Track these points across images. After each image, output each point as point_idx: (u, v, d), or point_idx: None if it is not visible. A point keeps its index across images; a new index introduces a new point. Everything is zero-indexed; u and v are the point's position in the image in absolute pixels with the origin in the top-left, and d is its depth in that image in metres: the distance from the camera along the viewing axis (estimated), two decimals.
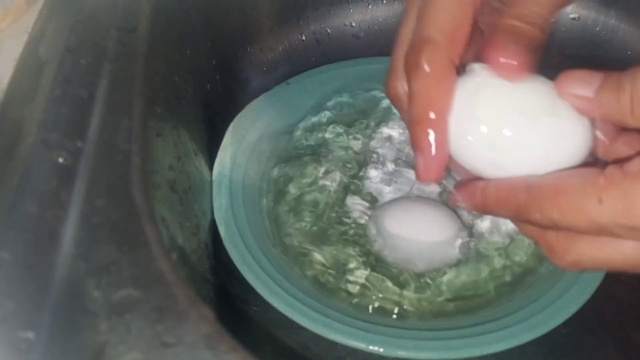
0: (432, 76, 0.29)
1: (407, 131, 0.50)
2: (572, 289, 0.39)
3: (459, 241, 0.42)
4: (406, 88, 0.30)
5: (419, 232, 0.41)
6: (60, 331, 0.24)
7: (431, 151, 0.29)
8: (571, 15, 0.57)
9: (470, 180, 0.30)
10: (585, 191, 0.25)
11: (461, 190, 0.30)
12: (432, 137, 0.29)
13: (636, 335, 0.42)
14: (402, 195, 0.46)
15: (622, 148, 0.29)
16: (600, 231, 0.25)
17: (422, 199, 0.45)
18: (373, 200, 0.46)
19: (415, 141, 0.29)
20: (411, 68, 0.29)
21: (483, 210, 0.30)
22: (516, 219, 0.29)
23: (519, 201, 0.27)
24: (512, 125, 0.27)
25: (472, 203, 0.30)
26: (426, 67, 0.29)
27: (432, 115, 0.28)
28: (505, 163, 0.28)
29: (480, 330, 0.37)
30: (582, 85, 0.27)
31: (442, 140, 0.29)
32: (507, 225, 0.43)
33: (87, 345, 0.24)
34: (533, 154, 0.27)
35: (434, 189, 0.46)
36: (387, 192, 0.46)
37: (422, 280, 0.41)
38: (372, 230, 0.43)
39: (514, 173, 0.28)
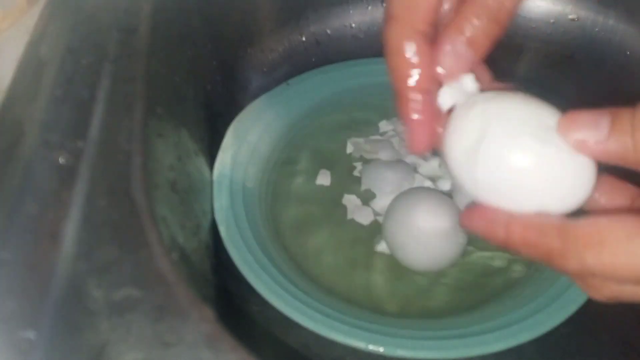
0: (399, 50, 0.30)
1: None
2: (572, 288, 0.39)
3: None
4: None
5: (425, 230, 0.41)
6: (61, 331, 0.25)
7: (415, 123, 0.29)
8: (570, 16, 0.57)
9: (488, 208, 0.28)
10: (631, 242, 0.24)
11: (477, 218, 0.29)
12: (413, 107, 0.29)
13: (636, 335, 0.42)
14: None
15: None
16: None
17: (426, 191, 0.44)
18: (371, 198, 0.46)
19: (400, 115, 0.29)
20: (383, 48, 0.31)
21: (504, 246, 0.28)
22: (548, 263, 0.27)
23: (552, 247, 0.26)
24: (524, 156, 0.27)
25: (493, 237, 0.28)
26: (392, 43, 0.30)
27: (408, 89, 0.29)
28: (517, 195, 0.27)
29: (480, 330, 0.37)
30: (590, 129, 0.25)
31: (424, 109, 0.29)
32: None
33: (87, 344, 0.24)
34: (544, 186, 0.27)
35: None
36: (387, 191, 0.46)
37: (423, 278, 0.42)
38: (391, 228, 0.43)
39: (526, 205, 0.27)
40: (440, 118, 0.29)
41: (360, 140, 0.50)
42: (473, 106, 0.28)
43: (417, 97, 0.29)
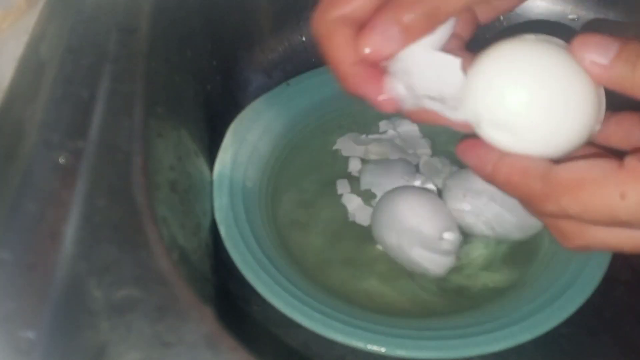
0: (325, 36, 0.31)
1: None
2: (572, 288, 0.39)
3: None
4: None
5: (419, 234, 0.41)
6: (61, 331, 0.25)
7: (368, 86, 0.31)
8: (570, 16, 0.57)
9: (483, 145, 0.29)
10: (607, 186, 0.25)
11: (471, 152, 0.30)
12: (354, 84, 0.31)
13: (636, 335, 0.42)
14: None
15: (615, 128, 0.29)
16: (620, 224, 0.25)
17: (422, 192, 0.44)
18: (371, 198, 0.46)
19: (352, 91, 0.32)
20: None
21: (490, 182, 0.29)
22: (526, 204, 0.28)
23: (534, 189, 0.27)
24: (528, 93, 0.27)
25: (481, 172, 0.29)
26: (319, 31, 0.32)
27: (347, 68, 0.31)
28: (518, 130, 0.27)
29: (480, 330, 0.37)
30: (599, 51, 0.26)
31: (369, 75, 0.31)
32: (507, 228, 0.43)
33: (87, 345, 0.24)
34: (548, 122, 0.27)
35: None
36: (385, 190, 0.46)
37: (423, 278, 0.42)
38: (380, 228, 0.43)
39: (527, 140, 0.28)
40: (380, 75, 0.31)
41: (361, 139, 0.50)
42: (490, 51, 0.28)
43: (353, 75, 0.31)
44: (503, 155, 0.28)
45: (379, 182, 0.46)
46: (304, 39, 0.58)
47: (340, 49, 0.31)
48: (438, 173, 0.47)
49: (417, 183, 0.45)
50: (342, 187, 0.47)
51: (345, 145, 0.50)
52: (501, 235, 0.43)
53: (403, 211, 0.41)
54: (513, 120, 0.27)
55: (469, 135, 0.30)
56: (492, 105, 0.28)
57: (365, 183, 0.46)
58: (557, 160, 0.27)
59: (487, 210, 0.42)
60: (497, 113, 0.28)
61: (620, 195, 0.24)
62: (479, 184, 0.40)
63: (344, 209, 0.46)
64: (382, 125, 0.51)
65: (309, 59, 0.57)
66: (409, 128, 0.50)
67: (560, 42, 0.28)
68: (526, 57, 0.27)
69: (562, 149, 0.28)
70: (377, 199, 0.45)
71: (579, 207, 0.25)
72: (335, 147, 0.50)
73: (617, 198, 0.24)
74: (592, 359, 0.41)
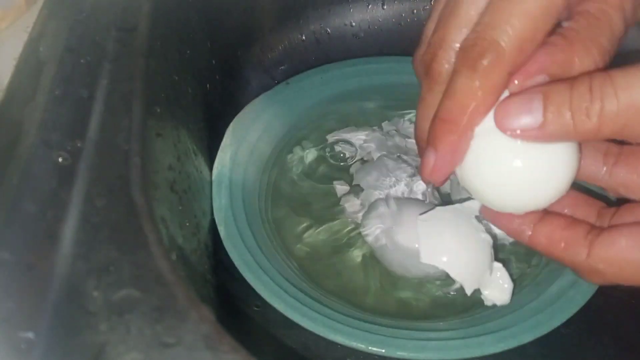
0: (485, 83, 0.26)
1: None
2: (572, 289, 0.38)
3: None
4: (446, 67, 0.28)
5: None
6: (60, 331, 0.24)
7: (447, 155, 0.28)
8: None
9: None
10: None
11: (501, 218, 0.31)
12: (454, 139, 0.27)
13: (636, 335, 0.42)
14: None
15: (622, 171, 0.30)
16: None
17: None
18: (369, 199, 0.45)
19: (434, 137, 0.28)
20: (466, 63, 0.27)
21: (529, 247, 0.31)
22: (570, 268, 0.30)
23: (578, 262, 0.28)
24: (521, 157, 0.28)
25: (517, 239, 0.31)
26: (483, 72, 0.26)
27: (465, 119, 0.27)
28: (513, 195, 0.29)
29: (480, 331, 0.37)
30: (523, 114, 0.26)
31: (463, 147, 0.28)
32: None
33: (86, 345, 0.24)
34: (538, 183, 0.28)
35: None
36: (385, 191, 0.45)
37: (424, 279, 0.41)
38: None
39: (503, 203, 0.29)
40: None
41: (361, 138, 0.50)
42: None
43: (463, 134, 0.28)
44: (537, 223, 0.29)
45: (375, 184, 0.45)
46: (303, 37, 0.58)
47: (484, 106, 0.27)
48: None
49: (416, 184, 0.45)
50: (341, 187, 0.47)
51: (346, 143, 0.50)
52: (502, 237, 0.43)
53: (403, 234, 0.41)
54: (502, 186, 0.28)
55: None
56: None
57: (365, 184, 0.46)
58: (593, 225, 0.29)
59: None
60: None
61: None
62: None
63: (343, 209, 0.46)
64: (385, 126, 0.51)
65: (309, 58, 0.57)
66: (410, 128, 0.50)
67: None
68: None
69: (548, 201, 0.29)
70: (370, 202, 0.45)
71: (622, 280, 0.28)
72: (335, 148, 0.50)
73: None
74: (592, 359, 0.41)
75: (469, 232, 0.36)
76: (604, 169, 0.30)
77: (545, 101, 0.25)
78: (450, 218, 0.36)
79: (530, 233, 0.29)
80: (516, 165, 0.27)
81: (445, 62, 0.28)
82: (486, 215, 0.31)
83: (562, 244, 0.28)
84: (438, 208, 0.38)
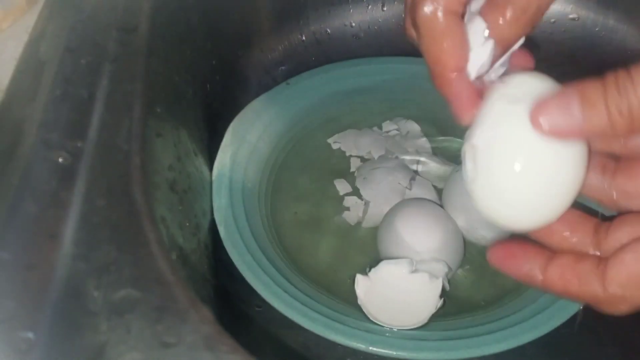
0: (437, 31, 0.29)
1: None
2: None
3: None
4: (426, 11, 0.30)
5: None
6: (60, 331, 0.24)
7: (454, 101, 0.29)
8: (570, 16, 0.57)
9: (518, 253, 0.30)
10: None
11: (510, 264, 0.30)
12: (448, 92, 0.29)
13: (636, 335, 0.42)
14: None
15: (622, 181, 0.30)
16: None
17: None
18: (370, 199, 0.45)
19: (441, 93, 0.30)
20: (415, 23, 0.30)
21: (543, 290, 0.31)
22: (594, 305, 0.30)
23: (597, 296, 0.28)
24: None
25: (530, 283, 0.30)
26: (428, 23, 0.29)
27: (447, 73, 0.29)
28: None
29: (480, 331, 0.37)
30: (564, 116, 0.26)
31: (462, 88, 0.29)
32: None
33: (87, 345, 0.24)
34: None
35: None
36: (386, 192, 0.45)
37: None
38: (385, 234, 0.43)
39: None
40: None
41: (362, 138, 0.50)
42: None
43: (454, 80, 0.29)
44: (547, 264, 0.29)
45: (373, 185, 0.46)
46: (303, 38, 0.58)
47: (444, 51, 0.29)
48: (438, 174, 0.47)
49: (414, 185, 0.45)
50: (342, 187, 0.47)
51: (346, 143, 0.50)
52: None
53: (405, 227, 0.41)
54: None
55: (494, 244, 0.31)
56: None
57: (365, 183, 0.46)
58: (601, 255, 0.29)
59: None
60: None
61: None
62: None
63: (343, 209, 0.46)
64: (385, 125, 0.51)
65: (309, 58, 0.57)
66: (410, 127, 0.50)
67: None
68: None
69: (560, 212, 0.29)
70: (370, 203, 0.45)
71: None
72: (335, 146, 0.50)
73: None
74: (592, 359, 0.41)
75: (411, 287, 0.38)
76: (604, 180, 0.30)
77: (582, 99, 0.26)
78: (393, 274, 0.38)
79: (541, 278, 0.29)
80: (528, 177, 0.27)
81: (426, 7, 0.30)
82: (493, 260, 0.31)
83: (576, 282, 0.29)
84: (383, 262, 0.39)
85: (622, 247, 0.28)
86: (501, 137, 0.27)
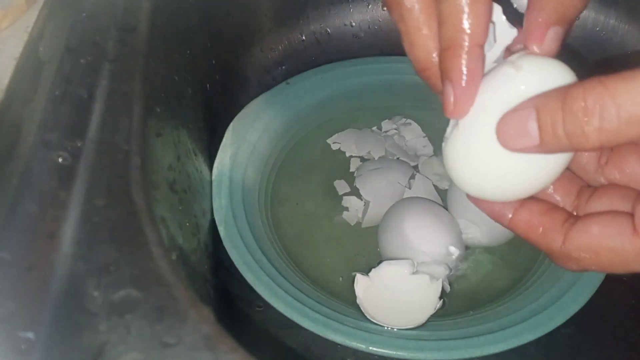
0: (404, 13, 0.28)
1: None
2: (572, 289, 0.38)
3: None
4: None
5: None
6: (60, 331, 0.24)
7: (462, 80, 0.27)
8: None
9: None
10: (626, 256, 0.27)
11: (484, 204, 0.31)
12: (464, 63, 0.26)
13: (636, 335, 0.42)
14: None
15: (613, 171, 0.30)
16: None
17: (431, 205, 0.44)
18: (370, 199, 0.45)
19: (445, 69, 0.27)
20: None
21: (509, 229, 0.31)
22: (546, 253, 0.30)
23: (553, 248, 0.29)
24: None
25: (498, 222, 0.31)
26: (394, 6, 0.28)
27: (466, 41, 0.26)
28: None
29: (480, 331, 0.37)
30: (524, 138, 0.26)
31: (475, 68, 0.27)
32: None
33: (87, 345, 0.24)
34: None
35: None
36: (386, 192, 0.45)
37: None
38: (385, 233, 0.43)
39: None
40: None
41: (362, 138, 0.50)
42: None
43: (471, 55, 0.27)
44: (518, 208, 0.30)
45: (373, 185, 0.45)
46: (303, 37, 0.58)
47: (422, 36, 0.28)
48: (438, 173, 0.47)
49: (414, 185, 0.45)
50: (341, 187, 0.47)
51: (346, 143, 0.50)
52: (502, 240, 0.43)
53: (409, 224, 0.41)
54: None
55: None
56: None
57: (364, 183, 0.46)
58: (570, 215, 0.29)
59: (485, 217, 0.42)
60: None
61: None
62: None
63: (343, 209, 0.46)
64: (384, 125, 0.51)
65: (309, 58, 0.57)
66: (410, 127, 0.50)
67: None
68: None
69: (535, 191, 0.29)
70: (370, 203, 0.45)
71: (598, 268, 0.28)
72: (335, 146, 0.50)
73: (636, 265, 0.26)
74: (592, 359, 0.41)
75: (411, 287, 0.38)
76: (595, 168, 0.30)
77: (539, 122, 0.25)
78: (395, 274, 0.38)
79: (510, 216, 0.30)
80: (503, 155, 0.27)
81: None
82: (470, 198, 0.31)
83: (540, 230, 0.29)
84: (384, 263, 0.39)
85: (593, 216, 0.28)
86: (489, 106, 0.27)
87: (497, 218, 0.31)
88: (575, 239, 0.28)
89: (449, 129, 0.29)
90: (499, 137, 0.27)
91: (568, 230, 0.28)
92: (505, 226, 0.31)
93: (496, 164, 0.28)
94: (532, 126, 0.25)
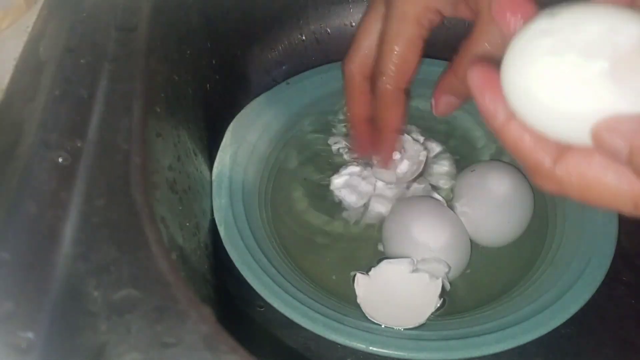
0: (388, 102, 0.40)
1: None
2: (572, 289, 0.38)
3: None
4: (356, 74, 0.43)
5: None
6: (60, 331, 0.24)
7: (389, 152, 0.44)
8: None
9: (499, 87, 0.26)
10: (621, 196, 0.25)
11: (484, 91, 0.27)
12: (389, 144, 0.43)
13: (636, 335, 0.42)
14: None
15: None
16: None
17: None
18: (369, 198, 0.45)
19: (379, 143, 0.43)
20: (373, 91, 0.40)
21: (495, 135, 0.27)
22: (527, 170, 0.27)
23: (541, 165, 0.26)
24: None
25: (488, 121, 0.27)
26: (382, 94, 0.40)
27: (387, 131, 0.42)
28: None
29: (480, 331, 0.37)
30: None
31: (393, 144, 0.44)
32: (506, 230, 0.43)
33: (87, 345, 0.24)
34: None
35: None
36: (386, 192, 0.45)
37: None
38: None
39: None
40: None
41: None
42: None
43: (391, 139, 0.43)
44: (512, 114, 0.26)
45: (372, 185, 0.46)
46: (303, 37, 0.58)
47: (355, 102, 0.43)
48: (438, 172, 0.47)
49: (414, 184, 0.45)
50: (341, 187, 0.47)
51: (346, 143, 0.50)
52: (502, 241, 0.43)
53: (412, 222, 0.41)
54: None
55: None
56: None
57: (364, 183, 0.46)
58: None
59: (488, 219, 0.42)
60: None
61: (634, 206, 0.24)
62: (479, 192, 0.42)
63: (343, 209, 0.46)
64: None
65: (309, 58, 0.57)
66: (410, 128, 0.50)
67: None
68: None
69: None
70: (369, 203, 0.45)
71: (580, 198, 0.26)
72: (335, 146, 0.50)
73: (630, 207, 0.25)
74: (592, 359, 0.41)
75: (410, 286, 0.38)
76: None
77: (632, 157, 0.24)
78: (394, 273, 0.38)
79: (502, 121, 0.27)
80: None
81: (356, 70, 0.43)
82: (470, 80, 0.28)
83: (531, 143, 0.26)
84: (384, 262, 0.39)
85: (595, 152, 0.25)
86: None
87: (488, 117, 0.27)
88: (571, 166, 0.26)
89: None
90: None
91: (564, 153, 0.26)
92: (494, 131, 0.27)
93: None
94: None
